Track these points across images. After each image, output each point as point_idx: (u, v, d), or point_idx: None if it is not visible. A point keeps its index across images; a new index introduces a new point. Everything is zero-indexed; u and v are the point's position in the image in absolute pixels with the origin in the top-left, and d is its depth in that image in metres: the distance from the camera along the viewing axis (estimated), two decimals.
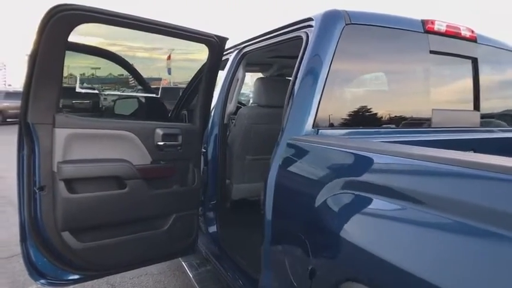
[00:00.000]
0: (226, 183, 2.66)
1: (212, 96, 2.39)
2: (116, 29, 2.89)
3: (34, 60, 1.64)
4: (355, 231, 1.10)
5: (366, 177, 1.15)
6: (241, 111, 2.59)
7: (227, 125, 2.56)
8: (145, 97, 3.26)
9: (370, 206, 1.09)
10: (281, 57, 3.08)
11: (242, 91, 4.18)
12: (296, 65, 1.69)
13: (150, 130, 2.07)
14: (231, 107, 2.46)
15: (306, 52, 1.66)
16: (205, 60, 2.95)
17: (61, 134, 1.74)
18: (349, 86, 1.78)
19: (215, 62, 2.25)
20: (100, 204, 1.87)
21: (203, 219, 2.53)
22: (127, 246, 2.01)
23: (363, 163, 1.17)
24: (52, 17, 1.61)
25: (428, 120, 1.86)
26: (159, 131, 2.08)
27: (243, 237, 2.61)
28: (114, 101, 3.52)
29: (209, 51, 2.19)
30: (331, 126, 1.61)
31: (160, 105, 3.41)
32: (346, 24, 1.64)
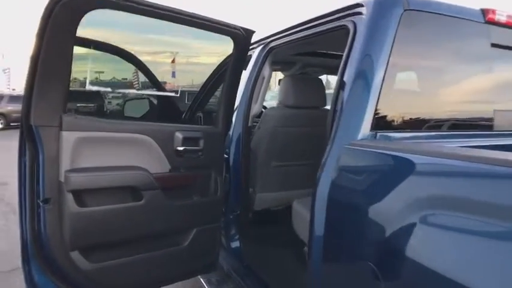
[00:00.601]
0: (249, 192, 2.41)
1: (236, 95, 2.15)
2: (117, 32, 2.64)
3: (38, 54, 1.40)
4: (455, 265, 0.85)
5: (468, 193, 0.90)
6: (267, 113, 2.34)
7: (251, 128, 2.31)
8: (157, 98, 3.02)
9: (476, 232, 0.83)
10: (312, 55, 2.84)
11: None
12: (343, 60, 1.45)
13: (169, 133, 1.83)
14: (256, 108, 2.21)
15: (356, 44, 1.42)
16: (225, 57, 2.75)
17: (69, 138, 1.50)
18: (409, 82, 1.53)
19: (241, 57, 2.01)
20: (113, 219, 1.62)
21: (224, 232, 2.28)
22: (143, 265, 1.76)
23: (462, 175, 0.92)
24: (57, 3, 1.37)
25: (492, 121, 1.61)
26: (179, 135, 1.84)
27: (270, 252, 2.35)
28: (124, 102, 3.29)
29: (234, 45, 1.95)
30: (392, 128, 1.36)
31: (174, 106, 3.18)
32: (404, 10, 1.39)
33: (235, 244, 2.27)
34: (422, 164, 1.03)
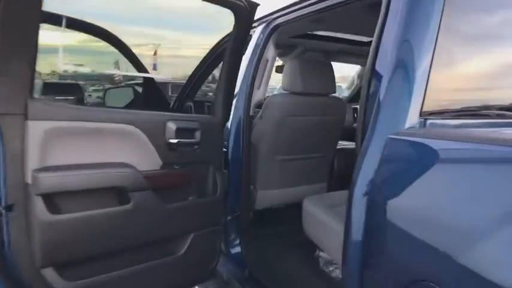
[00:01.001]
0: (250, 189, 2.14)
1: (236, 80, 1.88)
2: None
3: None
4: None
5: None
6: (270, 100, 2.07)
7: (252, 118, 2.04)
8: (143, 86, 2.72)
9: None
10: (315, 38, 2.58)
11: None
12: (377, 33, 1.18)
13: (160, 123, 1.55)
14: (259, 95, 1.94)
15: (392, 9, 1.15)
16: (219, 40, 2.46)
17: (37, 129, 1.20)
18: (464, 60, 1.26)
19: (243, 34, 1.73)
20: (95, 227, 1.34)
21: (223, 235, 2.01)
22: (132, 280, 1.48)
23: None
24: None
25: None
26: (172, 125, 1.56)
27: (275, 257, 2.10)
28: (104, 91, 2.97)
29: (235, 20, 1.67)
30: (444, 114, 1.11)
31: (161, 95, 2.87)
32: None
33: (236, 249, 2.01)
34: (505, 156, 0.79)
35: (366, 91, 1.19)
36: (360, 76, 3.58)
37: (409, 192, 0.94)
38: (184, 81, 2.82)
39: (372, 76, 1.16)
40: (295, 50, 2.84)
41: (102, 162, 1.38)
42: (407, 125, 1.03)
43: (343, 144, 2.68)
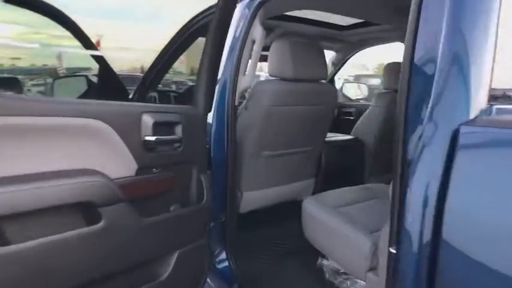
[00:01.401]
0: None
1: (220, 64, 1.58)
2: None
3: None
4: None
5: None
6: (257, 88, 1.78)
7: (237, 109, 1.75)
8: (99, 75, 2.33)
9: None
10: (298, 21, 2.33)
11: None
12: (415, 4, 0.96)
13: (134, 117, 1.23)
14: (245, 81, 1.65)
15: None
16: (191, 18, 2.14)
17: None
18: None
19: (228, 8, 1.44)
20: (57, 257, 1.00)
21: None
22: None
23: None
24: None
25: None
26: (148, 119, 1.25)
27: (270, 269, 1.84)
28: (53, 81, 2.53)
29: None
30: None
31: (119, 85, 2.50)
32: None
33: (223, 262, 1.72)
34: None
35: (407, 78, 0.96)
36: (334, 63, 3.40)
37: (493, 189, 0.72)
38: (132, 74, 2.47)
39: (424, 61, 0.93)
40: (272, 34, 2.57)
41: (61, 170, 1.04)
42: (476, 113, 0.81)
43: (329, 135, 2.47)
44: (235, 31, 1.71)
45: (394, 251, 0.93)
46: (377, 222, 1.53)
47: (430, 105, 0.88)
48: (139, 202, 1.22)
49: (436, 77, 0.90)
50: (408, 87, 0.96)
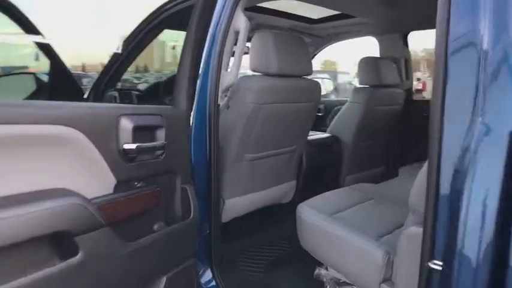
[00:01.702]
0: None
1: (201, 57, 1.40)
2: None
3: None
4: None
5: None
6: (241, 85, 1.61)
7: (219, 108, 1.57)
8: (51, 74, 2.04)
9: None
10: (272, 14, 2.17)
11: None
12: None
13: (110, 121, 1.02)
14: (229, 77, 1.47)
15: None
16: (158, 7, 1.92)
17: None
18: None
19: None
20: None
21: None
22: None
23: None
24: None
25: None
26: (127, 123, 1.05)
27: (263, 283, 1.68)
28: None
29: None
30: None
31: (74, 84, 2.22)
32: None
33: (209, 283, 1.53)
34: None
35: (442, 71, 0.84)
36: None
37: None
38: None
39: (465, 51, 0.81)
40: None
41: (24, 192, 0.81)
42: None
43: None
44: (216, 21, 1.53)
45: (439, 267, 0.81)
46: (380, 226, 1.42)
47: (477, 102, 0.76)
48: (122, 224, 1.01)
49: (481, 69, 0.78)
50: (444, 83, 0.84)
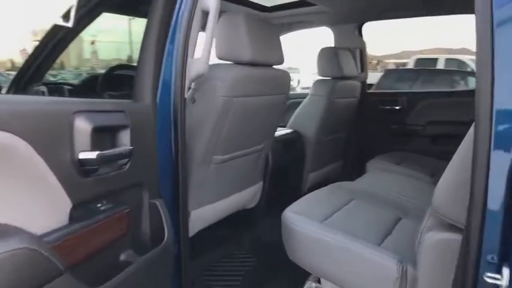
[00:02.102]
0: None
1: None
2: None
3: None
4: None
5: None
6: (210, 75, 1.35)
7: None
8: None
9: None
10: None
11: None
12: None
13: (61, 122, 0.73)
14: (198, 66, 1.22)
15: None
16: None
17: None
18: None
19: None
20: None
21: None
22: None
23: None
24: None
25: None
26: (84, 123, 0.77)
27: None
28: None
29: None
30: None
31: None
32: None
33: None
34: None
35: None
36: None
37: None
38: None
39: None
40: None
41: None
42: None
43: None
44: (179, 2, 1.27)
45: (498, 281, 0.67)
46: (375, 228, 1.30)
47: None
48: (85, 264, 0.73)
49: None
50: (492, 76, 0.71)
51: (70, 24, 1.68)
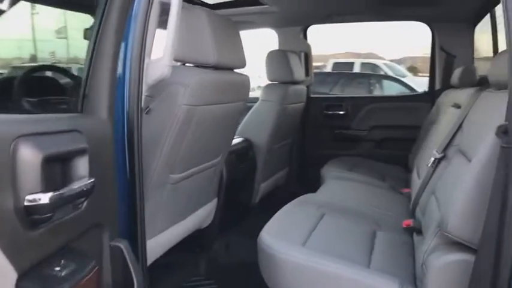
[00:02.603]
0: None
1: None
2: None
3: None
4: None
5: None
6: (172, 79, 1.12)
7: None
8: None
9: None
10: None
11: None
12: None
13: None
14: (158, 69, 1.00)
15: None
16: None
17: None
18: None
19: None
20: None
21: None
22: None
23: None
24: None
25: None
26: (31, 151, 0.53)
27: None
28: None
29: None
30: None
31: None
32: None
33: None
34: None
35: None
36: None
37: None
38: None
39: None
40: None
41: None
42: None
43: None
44: None
45: None
46: (358, 246, 1.21)
47: None
48: None
49: None
50: None
51: None
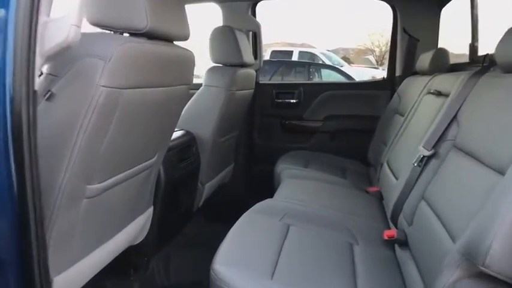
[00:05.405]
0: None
1: None
2: None
3: None
4: None
5: None
6: (85, 50, 0.76)
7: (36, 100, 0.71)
8: None
9: None
10: None
11: None
12: None
13: None
14: (60, 33, 0.64)
15: None
16: None
17: None
18: None
19: None
20: None
21: None
22: None
23: None
24: None
25: None
26: None
27: None
28: None
29: None
30: None
31: None
32: None
33: None
34: None
35: None
36: None
37: None
38: None
39: None
40: None
41: None
42: None
43: None
44: None
45: None
46: (339, 273, 0.96)
47: None
48: None
49: None
50: None
51: None
